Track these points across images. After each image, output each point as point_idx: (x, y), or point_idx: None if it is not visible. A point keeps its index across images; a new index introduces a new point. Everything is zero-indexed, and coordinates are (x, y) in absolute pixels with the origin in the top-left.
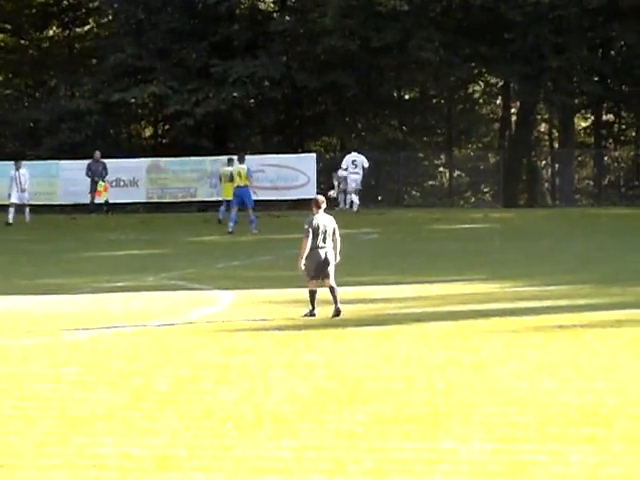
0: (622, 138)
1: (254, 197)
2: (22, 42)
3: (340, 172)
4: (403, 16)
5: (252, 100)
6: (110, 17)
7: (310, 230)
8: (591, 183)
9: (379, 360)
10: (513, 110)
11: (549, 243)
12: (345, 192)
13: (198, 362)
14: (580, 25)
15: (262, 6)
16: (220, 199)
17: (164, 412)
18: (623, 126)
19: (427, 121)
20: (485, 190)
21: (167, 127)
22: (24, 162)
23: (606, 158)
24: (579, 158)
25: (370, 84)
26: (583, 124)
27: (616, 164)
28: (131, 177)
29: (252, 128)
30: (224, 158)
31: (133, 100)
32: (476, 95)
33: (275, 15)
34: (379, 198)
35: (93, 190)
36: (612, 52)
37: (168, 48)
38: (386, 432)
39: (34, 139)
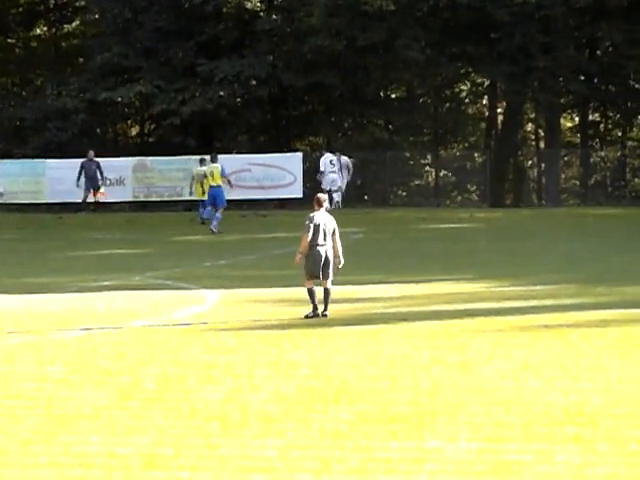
0: (608, 138)
1: (228, 196)
2: (8, 41)
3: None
4: (389, 15)
5: (238, 99)
6: (97, 16)
7: (311, 226)
8: (577, 183)
9: (365, 359)
10: (499, 110)
11: (535, 243)
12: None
13: (184, 361)
14: (567, 25)
15: (249, 5)
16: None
17: (150, 411)
18: (609, 126)
19: (413, 120)
20: (471, 190)
21: (153, 126)
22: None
23: (592, 158)
24: (565, 158)
25: (356, 83)
26: (569, 124)
27: (602, 164)
28: (117, 176)
29: (238, 127)
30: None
31: (119, 99)
32: (462, 95)
33: (262, 14)
34: (365, 197)
35: (88, 189)
36: (598, 52)
37: (155, 47)
38: (372, 431)
39: (20, 138)
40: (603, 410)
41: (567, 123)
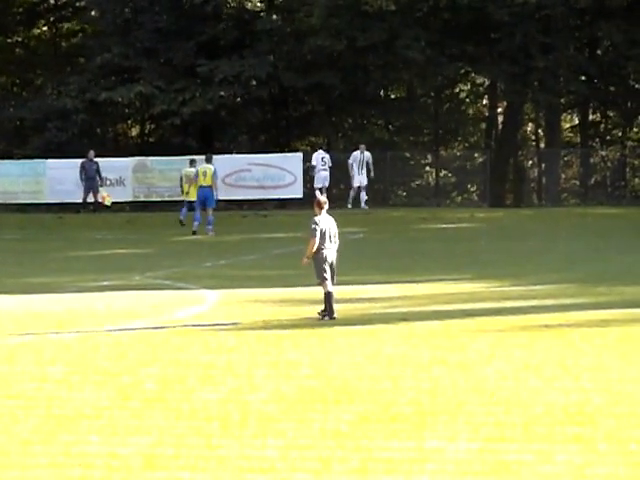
0: (608, 138)
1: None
2: (8, 41)
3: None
4: (389, 15)
5: (238, 100)
6: (97, 16)
7: (318, 230)
8: (577, 183)
9: (365, 359)
10: (500, 110)
11: (535, 243)
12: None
13: (184, 361)
14: (567, 25)
15: (249, 5)
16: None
17: (151, 411)
18: (609, 126)
19: (413, 121)
20: (471, 190)
21: (153, 126)
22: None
23: (592, 158)
24: (565, 158)
25: (356, 84)
26: (569, 124)
27: (602, 164)
28: (117, 176)
29: (238, 127)
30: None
31: (120, 99)
32: (463, 95)
33: (262, 14)
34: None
35: (88, 189)
36: (599, 52)
37: (155, 47)
38: (372, 431)
39: (21, 138)
40: (603, 410)
41: (567, 123)
